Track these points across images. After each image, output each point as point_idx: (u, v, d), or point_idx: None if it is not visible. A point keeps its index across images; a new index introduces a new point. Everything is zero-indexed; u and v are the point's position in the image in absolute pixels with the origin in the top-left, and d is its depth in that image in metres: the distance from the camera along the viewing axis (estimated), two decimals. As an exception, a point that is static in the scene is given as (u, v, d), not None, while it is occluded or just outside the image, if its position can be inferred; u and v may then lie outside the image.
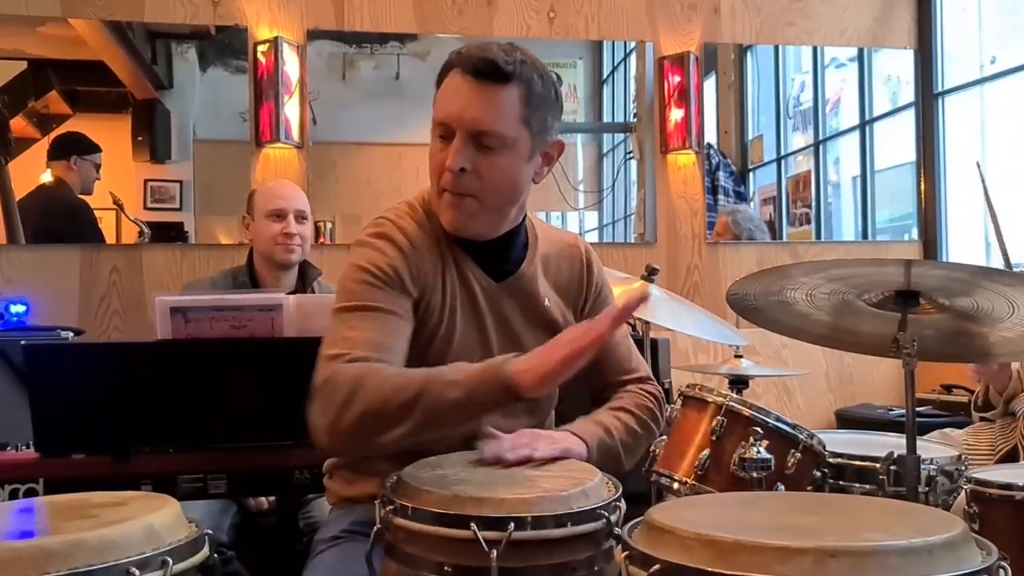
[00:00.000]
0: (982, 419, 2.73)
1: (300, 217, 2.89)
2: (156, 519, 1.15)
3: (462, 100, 1.47)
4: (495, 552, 1.10)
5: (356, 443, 1.38)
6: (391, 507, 1.20)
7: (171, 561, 1.09)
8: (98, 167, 3.86)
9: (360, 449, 1.44)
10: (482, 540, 1.11)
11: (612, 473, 1.36)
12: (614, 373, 1.68)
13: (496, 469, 1.33)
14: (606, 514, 1.18)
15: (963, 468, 1.99)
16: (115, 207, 3.82)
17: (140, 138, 3.94)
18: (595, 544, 1.19)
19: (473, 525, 1.12)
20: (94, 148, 3.85)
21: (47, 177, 3.85)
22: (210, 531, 1.22)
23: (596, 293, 1.69)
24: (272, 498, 2.50)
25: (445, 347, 1.54)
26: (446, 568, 1.15)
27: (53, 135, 3.86)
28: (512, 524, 1.12)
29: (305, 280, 2.93)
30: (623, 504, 1.24)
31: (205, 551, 1.19)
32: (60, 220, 3.87)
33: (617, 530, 1.18)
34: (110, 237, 3.85)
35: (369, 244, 1.52)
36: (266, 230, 2.86)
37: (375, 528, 1.21)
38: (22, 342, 1.98)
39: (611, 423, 1.56)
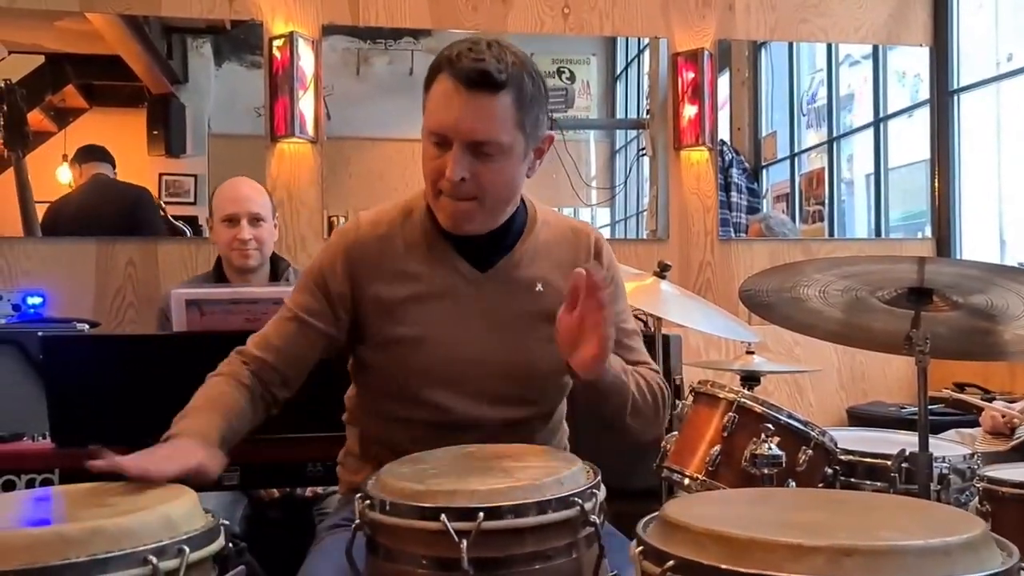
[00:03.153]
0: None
1: (255, 220, 2.82)
2: (173, 508, 1.16)
3: (456, 111, 1.46)
4: (465, 543, 1.11)
5: None
6: (367, 502, 1.21)
7: (188, 550, 1.10)
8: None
9: None
10: (452, 531, 1.11)
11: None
12: (623, 358, 1.65)
13: (476, 463, 1.34)
14: (580, 501, 1.18)
15: (976, 466, 1.99)
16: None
17: (155, 132, 3.95)
18: (571, 531, 1.19)
19: (443, 516, 1.12)
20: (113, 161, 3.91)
21: (65, 175, 3.88)
22: (226, 522, 1.23)
23: (608, 278, 1.68)
24: (279, 489, 2.51)
25: (419, 337, 1.57)
26: (423, 561, 1.15)
27: (73, 136, 3.89)
28: (482, 514, 1.12)
29: (276, 275, 2.90)
30: (601, 491, 1.24)
31: (221, 541, 1.19)
32: (122, 208, 3.92)
33: (593, 517, 1.18)
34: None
35: (326, 243, 1.65)
36: (222, 235, 2.83)
37: (354, 523, 1.22)
38: (39, 333, 1.99)
39: (627, 368, 1.57)
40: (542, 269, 1.63)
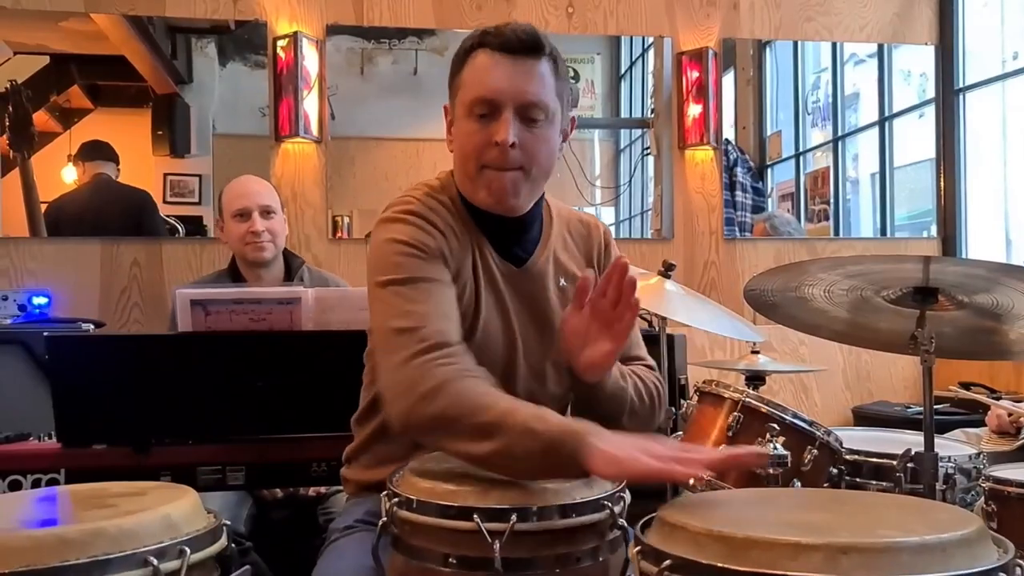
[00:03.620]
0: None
1: (266, 212, 2.83)
2: (174, 509, 1.16)
3: (506, 75, 1.48)
4: (498, 543, 1.11)
5: (423, 437, 1.37)
6: (396, 500, 1.21)
7: (188, 551, 1.11)
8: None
9: (425, 443, 1.39)
10: (485, 532, 1.12)
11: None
12: (624, 353, 1.63)
13: None
14: (609, 504, 1.19)
15: (982, 466, 1.98)
16: None
17: (160, 132, 3.96)
18: (599, 534, 1.19)
19: (476, 517, 1.13)
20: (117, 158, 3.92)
21: (71, 175, 3.89)
22: (228, 522, 1.24)
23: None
24: (283, 489, 2.51)
25: (472, 327, 1.53)
26: (451, 560, 1.16)
27: (78, 136, 3.90)
28: (515, 516, 1.13)
29: (291, 272, 2.90)
30: (627, 494, 1.25)
31: (223, 541, 1.20)
32: (126, 211, 3.93)
33: (621, 520, 1.19)
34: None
35: (402, 220, 1.51)
36: (234, 231, 2.84)
37: (380, 521, 1.22)
38: (44, 334, 2.00)
39: (623, 371, 1.56)
40: (564, 264, 1.64)
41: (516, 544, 1.13)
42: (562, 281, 1.62)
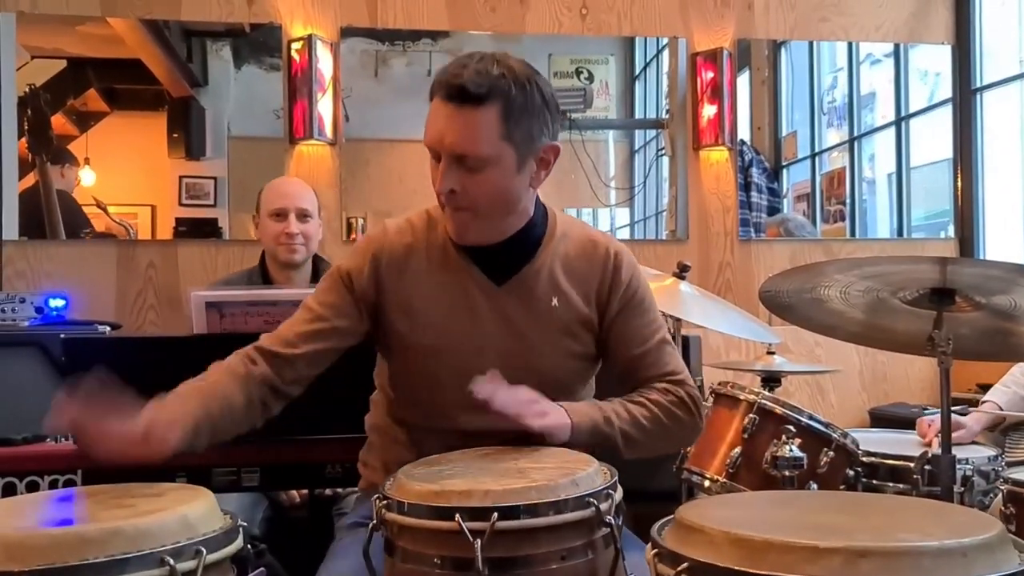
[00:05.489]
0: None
1: (303, 215, 2.87)
2: (191, 510, 1.16)
3: (441, 125, 1.52)
4: (479, 542, 1.11)
5: None
6: (385, 503, 1.22)
7: (205, 551, 1.11)
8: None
9: None
10: (466, 531, 1.12)
11: (608, 460, 1.36)
12: (645, 372, 1.65)
13: (492, 463, 1.35)
14: (595, 502, 1.18)
15: (1000, 468, 1.97)
16: (99, 209, 3.89)
17: (176, 135, 3.98)
18: (587, 532, 1.19)
19: (458, 516, 1.13)
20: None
21: (88, 178, 3.92)
22: (244, 523, 1.24)
23: (627, 296, 1.65)
24: (304, 491, 2.52)
25: (437, 346, 1.59)
26: (438, 561, 1.16)
27: (95, 139, 3.92)
28: (496, 514, 1.12)
29: (318, 275, 2.90)
30: (617, 492, 1.24)
31: (239, 542, 1.20)
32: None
33: (609, 518, 1.18)
34: (145, 234, 3.92)
35: (357, 252, 1.66)
36: (269, 229, 2.87)
37: (371, 524, 1.22)
38: (61, 335, 2.01)
39: (615, 411, 1.56)
40: (559, 283, 1.63)
41: (500, 543, 1.13)
42: (554, 301, 1.62)
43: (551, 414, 1.48)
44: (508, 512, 1.14)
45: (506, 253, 1.62)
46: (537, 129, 1.55)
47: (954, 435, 2.46)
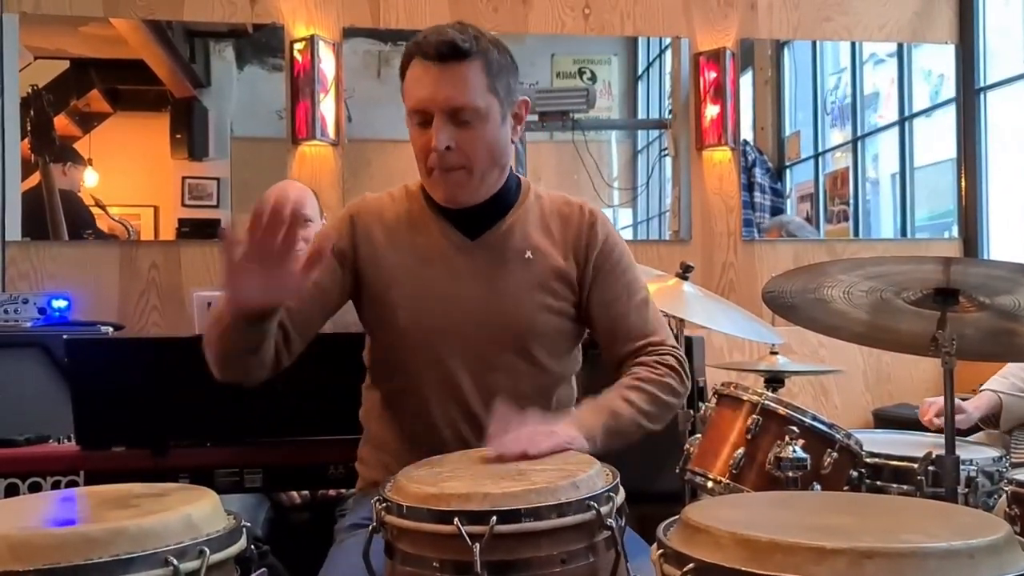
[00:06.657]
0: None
1: (303, 222, 2.84)
2: (195, 510, 1.16)
3: (431, 84, 1.57)
4: (478, 546, 1.10)
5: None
6: (384, 505, 1.21)
7: (208, 551, 1.10)
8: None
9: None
10: (465, 535, 1.11)
11: (611, 460, 1.35)
12: (626, 341, 1.68)
13: (492, 465, 1.34)
14: (596, 505, 1.17)
15: (1004, 469, 1.96)
16: (99, 209, 3.91)
17: (178, 136, 3.99)
18: (587, 535, 1.18)
19: (456, 520, 1.12)
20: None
21: (91, 178, 3.92)
22: (248, 524, 1.24)
23: (605, 253, 1.69)
24: (304, 492, 2.52)
25: (415, 296, 1.64)
26: (435, 564, 1.15)
27: (97, 140, 3.92)
28: (495, 518, 1.11)
29: None
30: (619, 494, 1.23)
31: (242, 543, 1.20)
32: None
33: (610, 520, 1.17)
34: (147, 234, 3.92)
35: (340, 216, 1.73)
36: None
37: (370, 526, 1.22)
38: (64, 336, 2.01)
39: (619, 406, 1.57)
40: (532, 238, 1.68)
41: (499, 547, 1.12)
42: (528, 254, 1.67)
43: (560, 435, 1.45)
44: (507, 516, 1.13)
45: (480, 212, 1.67)
46: (514, 83, 1.65)
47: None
